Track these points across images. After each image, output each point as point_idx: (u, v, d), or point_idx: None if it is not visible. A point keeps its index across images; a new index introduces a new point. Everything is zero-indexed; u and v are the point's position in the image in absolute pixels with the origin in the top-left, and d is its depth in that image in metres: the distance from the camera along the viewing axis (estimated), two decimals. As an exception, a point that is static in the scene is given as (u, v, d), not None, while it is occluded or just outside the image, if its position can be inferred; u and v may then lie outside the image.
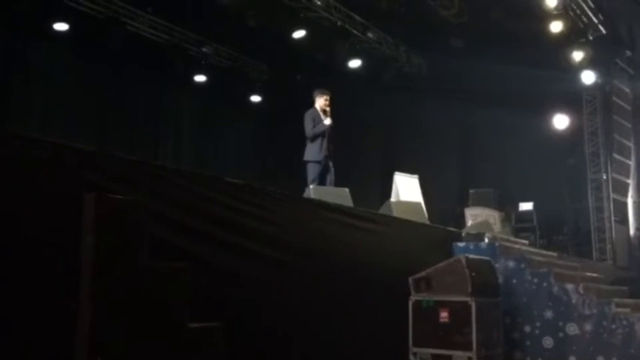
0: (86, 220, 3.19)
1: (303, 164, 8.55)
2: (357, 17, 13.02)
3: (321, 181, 8.32)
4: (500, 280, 6.44)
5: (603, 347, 6.05)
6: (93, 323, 3.04)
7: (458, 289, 5.69)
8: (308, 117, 8.55)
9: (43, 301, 3.17)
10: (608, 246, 12.35)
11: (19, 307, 3.10)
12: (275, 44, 13.24)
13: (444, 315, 5.66)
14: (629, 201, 12.91)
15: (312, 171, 8.41)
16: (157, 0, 12.58)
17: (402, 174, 9.79)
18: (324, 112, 8.62)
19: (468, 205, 11.59)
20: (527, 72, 11.89)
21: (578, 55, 12.11)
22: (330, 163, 8.58)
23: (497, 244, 7.03)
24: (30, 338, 3.10)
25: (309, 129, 8.49)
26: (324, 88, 8.81)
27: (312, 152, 8.43)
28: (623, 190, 12.84)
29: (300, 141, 14.87)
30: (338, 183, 8.38)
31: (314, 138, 8.45)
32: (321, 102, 8.68)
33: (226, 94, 14.93)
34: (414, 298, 5.82)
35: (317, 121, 8.55)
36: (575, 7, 11.73)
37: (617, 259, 12.29)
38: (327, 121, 8.54)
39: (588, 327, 6.15)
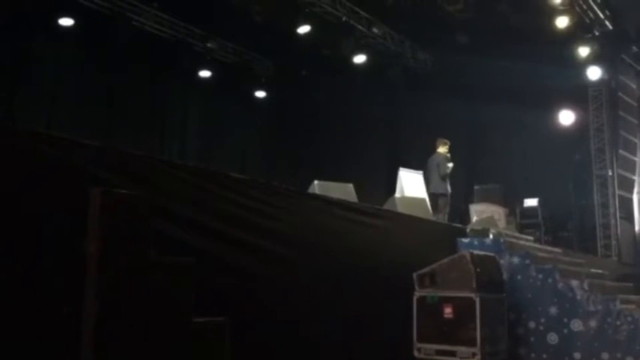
0: (91, 215, 3.20)
1: (435, 196, 10.14)
2: (362, 12, 13.00)
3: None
4: (505, 276, 6.44)
5: (608, 344, 6.05)
6: (98, 318, 3.05)
7: (462, 285, 5.69)
8: (441, 160, 10.43)
9: (49, 296, 3.19)
10: (613, 242, 12.32)
11: (24, 302, 3.12)
12: (280, 39, 13.22)
13: (448, 311, 5.66)
14: (635, 197, 12.87)
15: (444, 202, 10.28)
16: (162, -5, 12.60)
17: (407, 170, 9.78)
18: (446, 157, 10.49)
19: (472, 201, 11.59)
20: (532, 68, 11.84)
21: (584, 51, 12.06)
22: None
23: (502, 240, 7.02)
24: (36, 332, 3.12)
25: (443, 169, 10.33)
26: (444, 138, 10.67)
27: (443, 188, 10.31)
28: (628, 186, 12.79)
29: (304, 136, 14.97)
30: (342, 178, 8.39)
31: (445, 177, 10.34)
32: (445, 149, 10.56)
33: (231, 90, 14.94)
34: (418, 293, 5.83)
35: (445, 165, 10.39)
36: (581, 2, 11.68)
37: (622, 255, 12.26)
38: (451, 165, 10.43)
39: (593, 323, 6.15)
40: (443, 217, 9.88)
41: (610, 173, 12.48)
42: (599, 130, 12.73)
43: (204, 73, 14.23)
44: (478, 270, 5.74)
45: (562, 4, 11.31)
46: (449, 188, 10.40)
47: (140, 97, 13.51)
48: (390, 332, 5.62)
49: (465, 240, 7.04)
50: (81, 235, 3.19)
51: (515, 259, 6.65)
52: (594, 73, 12.30)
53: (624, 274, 9.88)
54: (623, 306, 6.29)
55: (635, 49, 12.66)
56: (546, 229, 12.11)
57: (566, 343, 6.20)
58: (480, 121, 13.89)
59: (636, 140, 13.05)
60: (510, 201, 12.23)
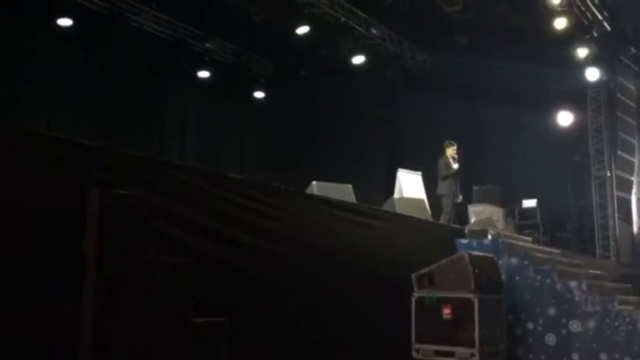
0: (90, 215, 3.20)
1: (438, 197, 10.40)
2: (361, 13, 13.00)
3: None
4: (504, 276, 6.44)
5: (606, 344, 6.05)
6: (96, 318, 3.05)
7: (461, 286, 5.69)
8: (441, 162, 10.43)
9: (47, 297, 3.18)
10: (612, 243, 12.33)
11: (23, 302, 3.11)
12: (279, 40, 13.22)
13: (446, 311, 5.67)
14: (633, 198, 12.88)
15: (446, 202, 10.27)
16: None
17: (406, 170, 9.80)
18: (454, 158, 10.45)
19: (471, 202, 11.60)
20: (531, 69, 11.85)
21: (582, 52, 12.07)
22: (459, 197, 10.50)
23: (500, 240, 7.02)
24: (35, 332, 3.12)
25: (443, 171, 10.34)
26: (451, 140, 10.69)
27: (444, 189, 10.31)
28: (626, 187, 12.80)
29: (303, 136, 15.00)
30: (340, 179, 8.41)
31: (446, 178, 10.33)
32: (450, 151, 10.49)
33: (230, 90, 14.94)
34: (417, 294, 5.83)
35: (448, 166, 10.38)
36: (579, 3, 11.69)
37: (621, 256, 12.27)
38: (456, 166, 10.40)
39: (591, 324, 6.15)
40: (443, 218, 9.91)
41: (608, 174, 12.49)
42: (597, 131, 12.74)
43: (203, 74, 14.22)
44: (476, 271, 5.75)
45: (560, 5, 11.32)
46: (451, 188, 10.34)
47: (139, 97, 13.50)
48: (388, 333, 5.62)
49: (464, 241, 7.05)
50: (80, 236, 3.18)
51: (514, 260, 6.65)
52: (593, 74, 12.31)
53: (622, 275, 9.88)
54: (622, 307, 6.29)
55: (633, 50, 12.66)
56: (545, 229, 12.12)
57: (565, 343, 6.21)
58: (478, 122, 13.89)
59: (634, 141, 13.06)
60: (509, 202, 12.24)
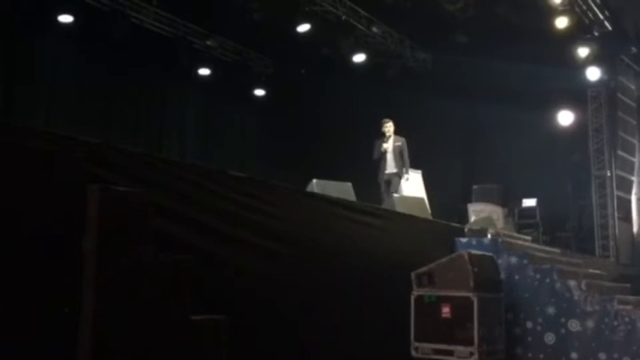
0: (89, 212, 3.20)
1: None
2: (362, 11, 12.99)
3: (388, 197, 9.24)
4: (503, 275, 6.44)
5: (605, 344, 6.05)
6: (96, 316, 3.05)
7: (460, 285, 5.69)
8: (375, 144, 9.68)
9: (46, 295, 3.18)
10: (611, 243, 12.33)
11: (22, 301, 3.11)
12: (279, 38, 13.22)
13: (445, 310, 5.66)
14: (633, 198, 12.88)
15: (381, 189, 9.55)
16: (161, -7, 12.58)
17: (406, 169, 9.78)
18: (388, 137, 9.70)
19: (471, 201, 11.60)
20: (532, 68, 11.85)
21: (583, 52, 12.06)
22: (399, 177, 9.55)
23: (500, 239, 7.02)
24: (32, 332, 3.11)
25: (374, 154, 9.64)
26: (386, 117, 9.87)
27: (378, 174, 9.63)
28: (626, 187, 12.80)
29: (303, 134, 15.00)
30: (340, 177, 8.39)
31: (376, 162, 9.65)
32: (384, 129, 9.73)
33: (230, 88, 14.94)
34: (416, 293, 5.83)
35: (377, 146, 9.70)
36: (581, 2, 11.69)
37: (620, 256, 12.27)
38: (383, 148, 9.64)
39: (590, 324, 6.15)
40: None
41: (608, 174, 12.49)
42: (597, 131, 12.73)
43: (204, 71, 14.22)
44: (476, 270, 5.74)
45: (562, 4, 11.32)
46: (381, 171, 9.84)
47: (139, 94, 13.51)
48: (387, 331, 5.62)
49: (463, 240, 7.04)
50: (79, 233, 3.18)
51: (513, 259, 6.65)
52: (593, 73, 12.31)
53: (622, 275, 9.89)
54: (621, 306, 6.29)
55: (634, 49, 12.66)
56: (544, 229, 12.12)
57: (564, 343, 6.21)
58: (479, 121, 13.89)
59: (635, 141, 13.06)
60: (509, 201, 12.24)
